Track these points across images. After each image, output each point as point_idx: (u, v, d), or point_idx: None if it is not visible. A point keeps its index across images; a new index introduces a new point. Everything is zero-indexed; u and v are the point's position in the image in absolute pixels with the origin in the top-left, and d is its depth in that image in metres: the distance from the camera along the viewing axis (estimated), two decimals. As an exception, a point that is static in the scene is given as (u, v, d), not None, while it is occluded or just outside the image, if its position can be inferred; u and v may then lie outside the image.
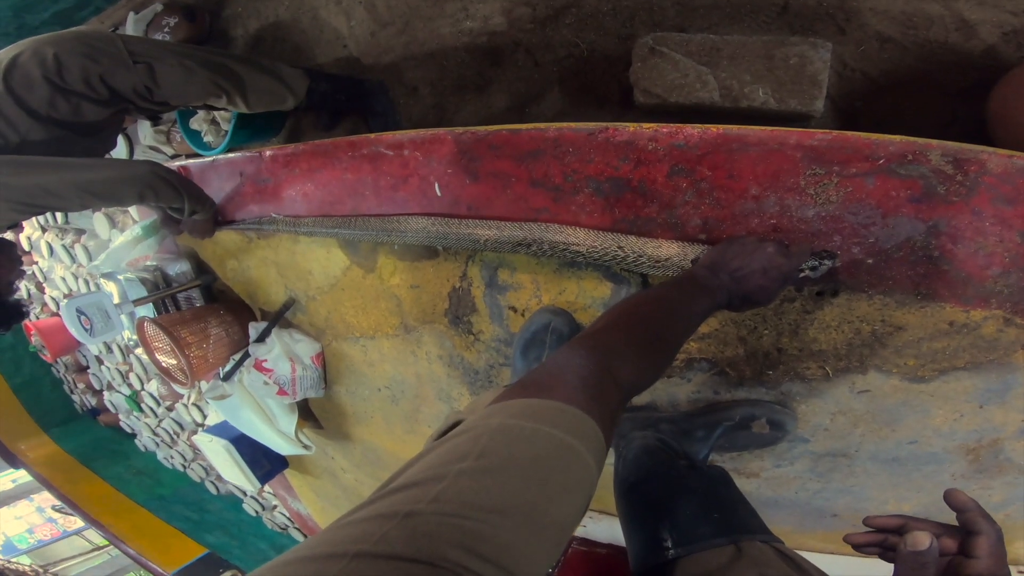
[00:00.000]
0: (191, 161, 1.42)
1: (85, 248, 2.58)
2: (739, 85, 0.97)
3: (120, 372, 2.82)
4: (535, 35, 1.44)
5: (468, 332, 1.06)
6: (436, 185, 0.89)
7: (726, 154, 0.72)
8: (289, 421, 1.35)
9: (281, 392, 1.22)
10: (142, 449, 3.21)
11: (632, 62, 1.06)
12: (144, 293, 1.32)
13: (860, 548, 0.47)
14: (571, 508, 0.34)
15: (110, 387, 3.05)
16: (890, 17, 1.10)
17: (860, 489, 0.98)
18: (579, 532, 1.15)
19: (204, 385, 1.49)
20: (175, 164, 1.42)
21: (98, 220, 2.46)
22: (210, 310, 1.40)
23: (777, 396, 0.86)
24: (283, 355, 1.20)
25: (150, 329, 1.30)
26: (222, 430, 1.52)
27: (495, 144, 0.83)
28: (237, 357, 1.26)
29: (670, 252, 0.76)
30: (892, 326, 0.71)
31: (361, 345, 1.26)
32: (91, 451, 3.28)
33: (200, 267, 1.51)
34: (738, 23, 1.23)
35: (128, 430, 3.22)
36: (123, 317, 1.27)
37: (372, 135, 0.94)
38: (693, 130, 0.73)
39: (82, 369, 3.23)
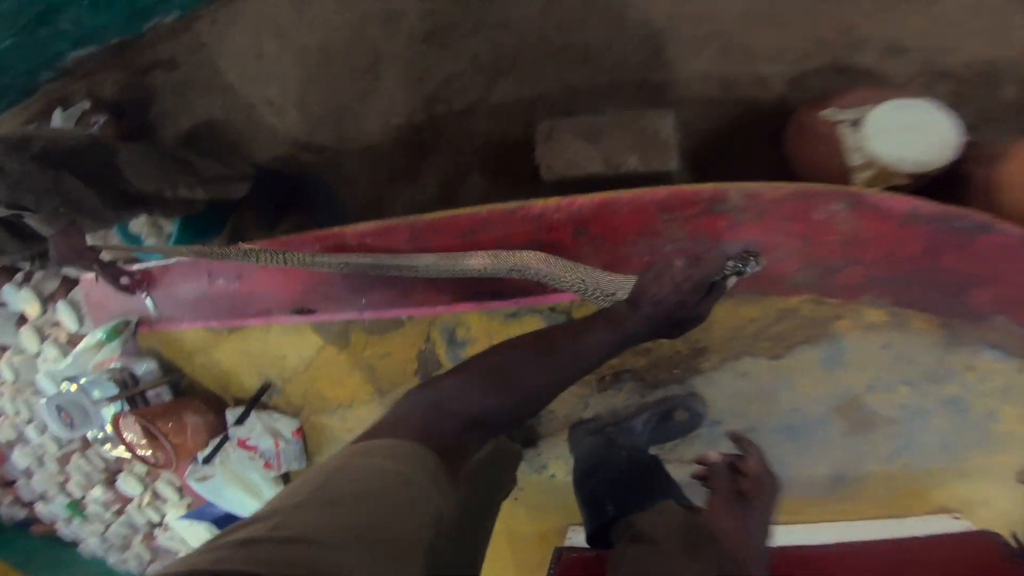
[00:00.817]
0: (152, 264, 1.53)
1: (11, 365, 2.53)
2: (616, 155, 1.27)
3: (56, 483, 2.73)
4: (454, 127, 1.73)
5: (436, 385, 1.23)
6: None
7: (609, 214, 0.98)
8: (275, 492, 1.42)
9: (267, 466, 1.30)
10: (88, 557, 3.07)
11: (536, 145, 1.35)
12: (114, 390, 1.39)
13: (698, 479, 0.68)
14: (407, 525, 0.36)
15: (44, 498, 2.99)
16: (712, 82, 1.47)
17: (777, 458, 1.20)
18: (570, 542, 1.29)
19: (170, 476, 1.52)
20: (133, 268, 1.53)
21: (25, 334, 2.43)
22: (183, 403, 1.48)
23: (686, 389, 1.09)
24: (265, 432, 1.30)
25: (128, 422, 1.36)
26: (201, 514, 1.54)
27: (440, 227, 1.06)
28: (216, 441, 1.35)
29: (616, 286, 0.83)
30: (745, 319, 0.98)
31: (339, 415, 1.39)
32: (27, 561, 3.10)
33: (166, 366, 1.59)
34: (612, 99, 1.58)
35: (68, 538, 3.12)
36: (102, 412, 1.33)
37: (337, 229, 1.14)
38: (584, 199, 1.00)
39: (8, 483, 3.15)
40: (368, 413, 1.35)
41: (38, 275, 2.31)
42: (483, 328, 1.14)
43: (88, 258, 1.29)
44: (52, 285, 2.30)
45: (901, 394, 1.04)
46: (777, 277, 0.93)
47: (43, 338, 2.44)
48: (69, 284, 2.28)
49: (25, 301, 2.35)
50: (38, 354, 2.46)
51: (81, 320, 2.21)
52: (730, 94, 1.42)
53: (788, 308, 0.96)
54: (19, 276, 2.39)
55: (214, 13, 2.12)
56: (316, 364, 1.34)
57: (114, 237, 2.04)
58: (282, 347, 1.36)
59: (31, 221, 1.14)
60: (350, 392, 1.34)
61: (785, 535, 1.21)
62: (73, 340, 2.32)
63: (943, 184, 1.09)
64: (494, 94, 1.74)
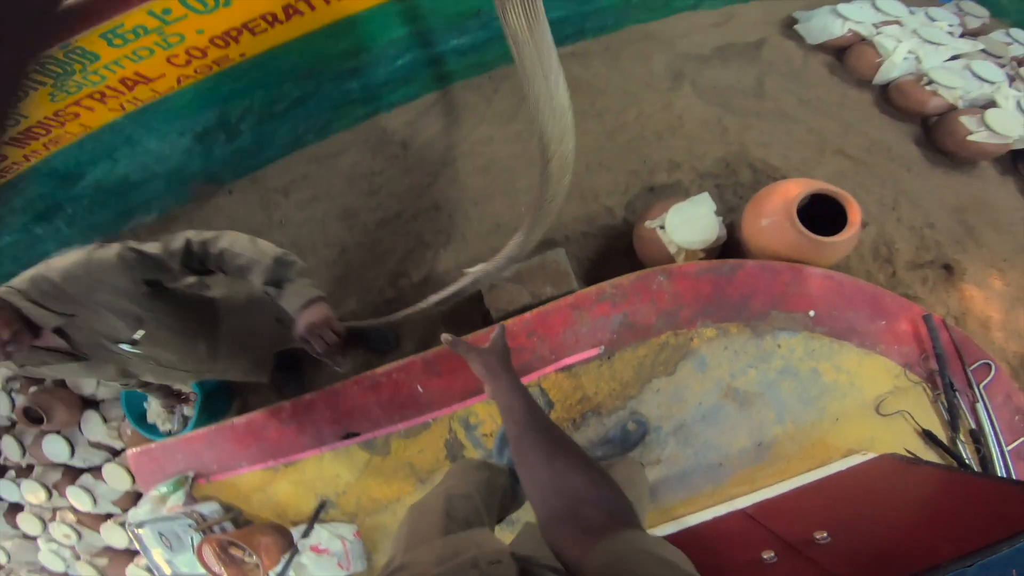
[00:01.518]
0: (200, 431, 1.87)
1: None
2: (537, 288, 1.95)
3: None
4: (418, 294, 2.36)
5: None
6: (418, 386, 1.65)
7: (545, 319, 1.63)
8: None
9: (340, 565, 1.60)
10: None
11: (483, 295, 2.00)
12: (189, 522, 1.66)
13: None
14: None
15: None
16: (581, 221, 2.27)
17: (711, 441, 1.66)
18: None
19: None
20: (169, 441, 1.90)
21: (25, 518, 2.75)
22: (252, 528, 1.75)
23: (629, 410, 1.65)
24: (332, 536, 1.63)
25: (208, 551, 1.60)
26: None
27: (442, 357, 1.64)
28: (287, 556, 1.63)
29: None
30: (641, 356, 1.61)
31: (390, 511, 1.73)
32: None
33: (226, 506, 1.88)
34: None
35: None
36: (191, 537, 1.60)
37: (369, 371, 1.67)
38: (529, 315, 1.64)
39: None
40: (413, 499, 1.73)
41: (39, 469, 2.60)
42: (487, 412, 1.67)
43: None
44: (55, 476, 2.60)
45: (751, 375, 1.66)
46: (646, 328, 1.60)
47: (46, 521, 2.68)
48: (73, 474, 2.58)
49: (28, 491, 2.61)
50: (38, 536, 2.73)
51: (95, 499, 2.49)
52: (593, 226, 2.23)
53: (661, 343, 1.61)
54: (11, 472, 2.69)
55: (190, 213, 2.67)
56: (366, 474, 1.73)
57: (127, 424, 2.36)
58: (335, 468, 1.75)
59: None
60: (396, 489, 1.73)
61: (751, 498, 1.65)
62: (83, 518, 2.59)
63: (731, 244, 1.88)
64: (440, 262, 2.45)
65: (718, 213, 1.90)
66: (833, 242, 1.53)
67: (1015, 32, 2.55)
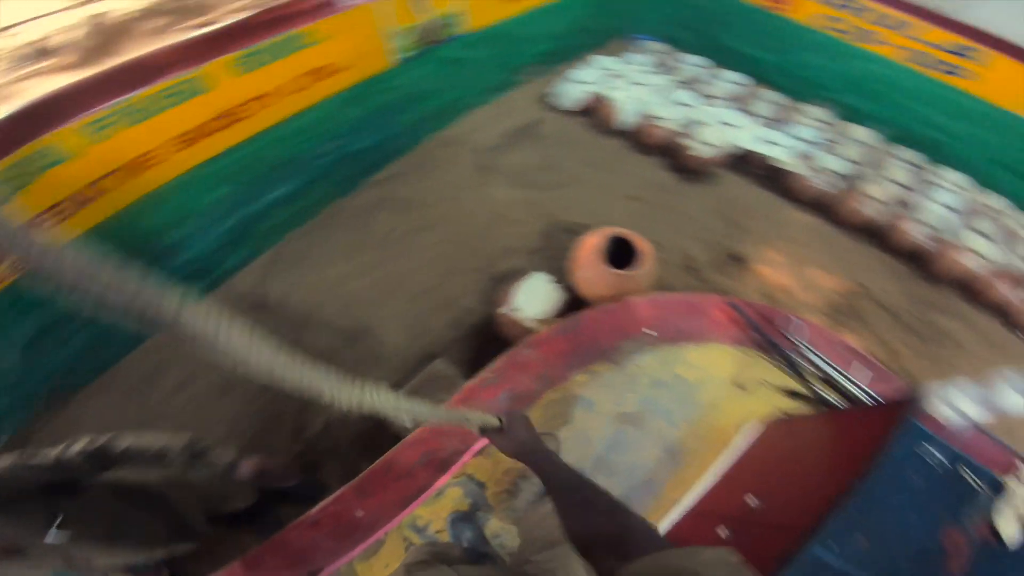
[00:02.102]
0: None
1: None
2: (434, 397, 2.04)
3: None
4: (330, 442, 2.25)
5: None
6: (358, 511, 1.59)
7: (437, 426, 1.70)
8: None
9: None
10: None
11: (388, 424, 2.02)
12: None
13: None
14: None
15: None
16: (450, 326, 2.43)
17: (630, 464, 1.78)
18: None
19: None
20: None
21: None
22: None
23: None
24: None
25: None
26: None
27: (368, 479, 1.60)
28: None
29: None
30: (541, 414, 1.75)
31: None
32: None
33: None
34: (411, 374, 2.39)
35: None
36: None
37: (304, 514, 1.56)
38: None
39: None
40: None
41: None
42: (429, 511, 1.63)
43: None
44: None
45: (631, 399, 1.89)
46: (530, 394, 1.76)
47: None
48: None
49: None
50: None
51: None
52: (461, 329, 2.42)
53: (547, 401, 1.78)
54: None
55: (49, 425, 2.27)
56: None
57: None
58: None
59: None
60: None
61: (690, 496, 1.77)
62: None
63: (574, 301, 2.17)
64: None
65: (556, 280, 2.22)
66: (635, 273, 1.90)
67: (688, 57, 3.54)
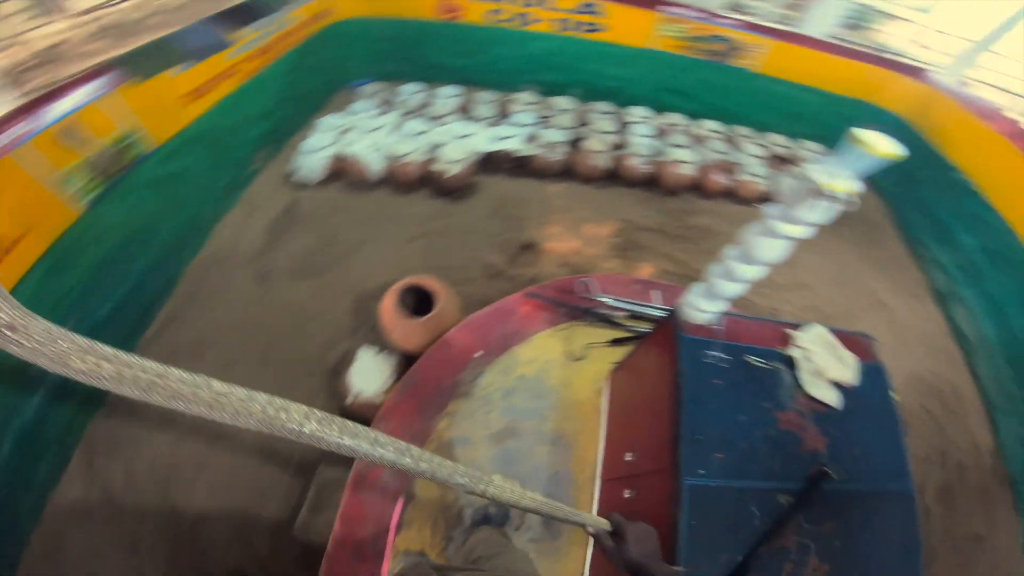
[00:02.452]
0: None
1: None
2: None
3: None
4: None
5: None
6: None
7: (353, 514, 1.50)
8: None
9: None
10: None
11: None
12: None
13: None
14: None
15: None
16: (267, 457, 2.16)
17: (531, 468, 1.80)
18: None
19: None
20: None
21: None
22: None
23: (466, 501, 1.68)
24: None
25: None
26: None
27: None
28: None
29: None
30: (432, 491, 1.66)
31: None
32: None
33: None
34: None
35: None
36: None
37: None
38: (338, 521, 1.48)
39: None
40: None
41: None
42: None
43: None
44: None
45: (495, 416, 1.92)
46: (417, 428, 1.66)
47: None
48: None
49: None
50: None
51: None
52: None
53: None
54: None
55: None
56: None
57: None
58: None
59: None
60: None
61: (595, 471, 1.87)
62: None
63: (409, 360, 2.10)
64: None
65: (379, 349, 2.13)
66: (438, 312, 1.93)
67: (404, 88, 3.73)
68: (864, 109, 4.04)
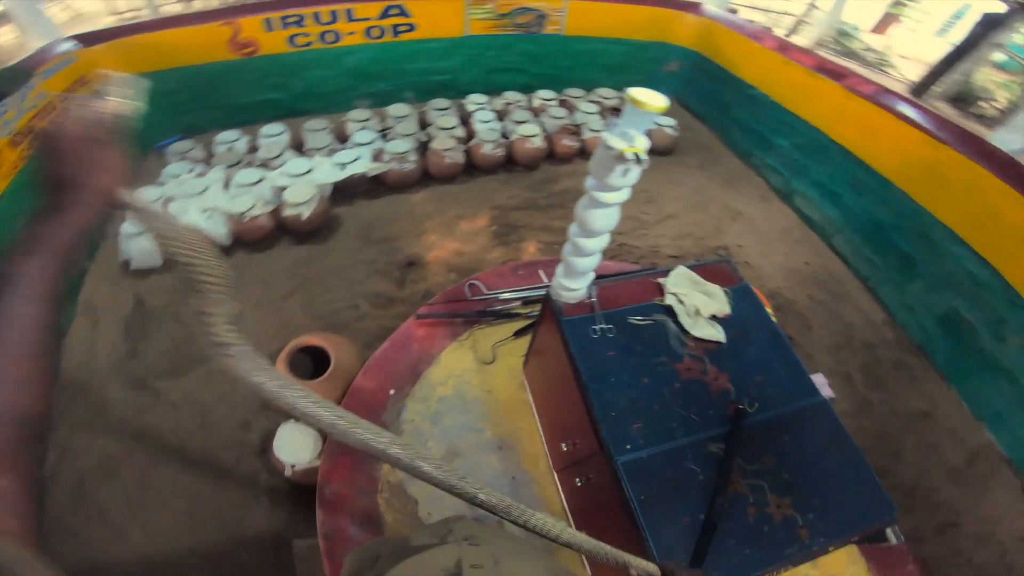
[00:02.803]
0: None
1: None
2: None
3: None
4: None
5: None
6: None
7: None
8: None
9: None
10: None
11: None
12: None
13: None
14: None
15: None
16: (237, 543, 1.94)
17: (489, 482, 1.72)
18: None
19: None
20: None
21: None
22: None
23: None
24: None
25: None
26: None
27: None
28: None
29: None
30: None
31: None
32: None
33: None
34: None
35: None
36: None
37: None
38: None
39: None
40: None
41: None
42: None
43: None
44: None
45: (432, 446, 1.85)
46: (368, 511, 1.56)
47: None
48: None
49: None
50: None
51: None
52: (274, 512, 1.95)
53: (385, 500, 1.61)
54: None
55: None
56: None
57: None
58: None
59: None
60: None
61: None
62: None
63: None
64: None
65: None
66: (335, 369, 1.82)
67: (221, 137, 3.39)
68: (665, 49, 4.44)
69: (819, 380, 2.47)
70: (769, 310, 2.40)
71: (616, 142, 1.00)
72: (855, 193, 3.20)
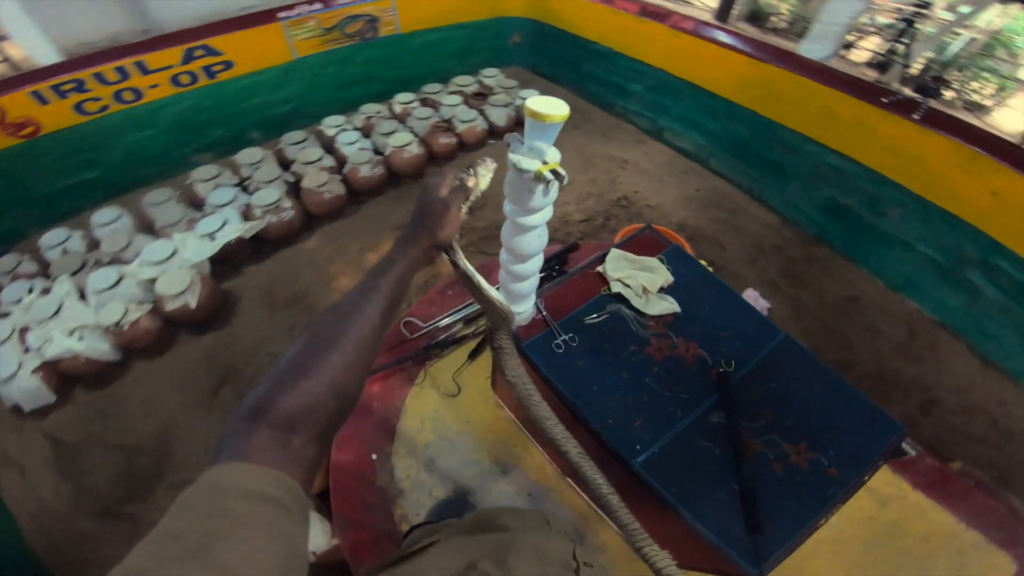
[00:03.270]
0: None
1: None
2: None
3: None
4: None
5: None
6: None
7: None
8: None
9: None
10: None
11: None
12: None
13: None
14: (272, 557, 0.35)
15: None
16: None
17: (505, 495, 1.78)
18: None
19: None
20: None
21: None
22: None
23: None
24: None
25: None
26: None
27: None
28: None
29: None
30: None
31: None
32: None
33: None
34: None
35: None
36: None
37: None
38: None
39: None
40: None
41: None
42: None
43: None
44: None
45: (438, 493, 1.74)
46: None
47: None
48: None
49: None
50: None
51: None
52: None
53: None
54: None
55: None
56: None
57: None
58: None
59: None
60: None
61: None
62: None
63: None
64: None
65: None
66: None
67: (46, 239, 2.82)
68: (504, 24, 4.43)
69: (751, 295, 2.73)
70: (685, 245, 2.55)
71: (528, 163, 0.94)
72: (712, 119, 3.49)
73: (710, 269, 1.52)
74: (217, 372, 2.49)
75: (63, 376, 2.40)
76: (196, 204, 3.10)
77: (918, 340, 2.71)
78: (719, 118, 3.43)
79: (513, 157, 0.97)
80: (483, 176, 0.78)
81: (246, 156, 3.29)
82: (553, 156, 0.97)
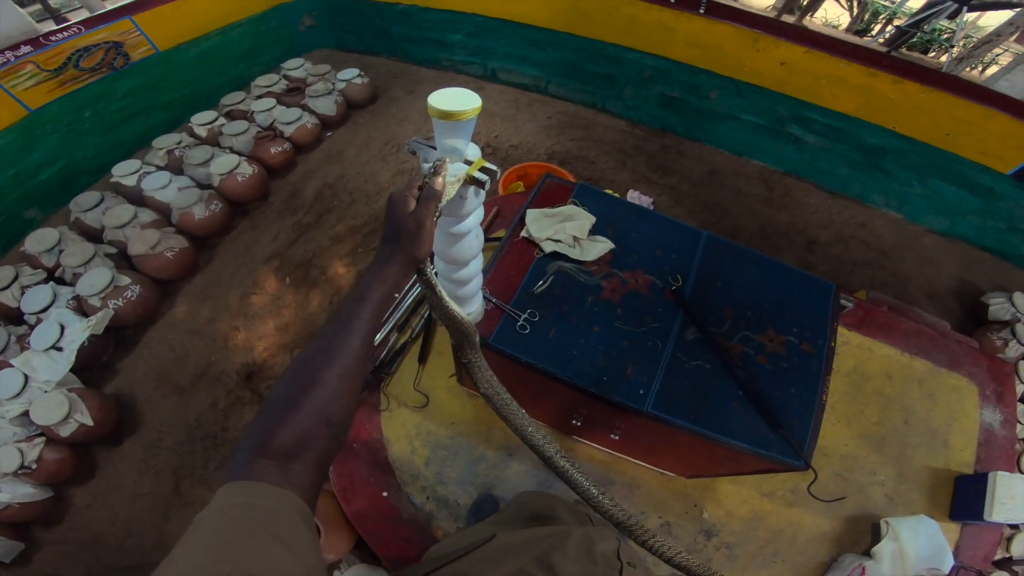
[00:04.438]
0: None
1: None
2: None
3: None
4: None
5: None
6: None
7: None
8: None
9: None
10: None
11: None
12: None
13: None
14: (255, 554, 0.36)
15: None
16: None
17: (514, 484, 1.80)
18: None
19: None
20: None
21: None
22: None
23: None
24: None
25: None
26: None
27: None
28: None
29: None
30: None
31: None
32: None
33: None
34: None
35: None
36: None
37: None
38: None
39: None
40: None
41: None
42: None
43: None
44: None
45: (462, 501, 1.73)
46: None
47: None
48: None
49: None
50: None
51: None
52: None
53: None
54: None
55: None
56: None
57: None
58: None
59: None
60: None
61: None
62: None
63: None
64: None
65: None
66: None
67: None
68: (286, 9, 3.91)
69: (634, 195, 2.97)
70: (566, 175, 2.62)
71: (455, 169, 0.89)
72: (538, 49, 3.57)
73: (616, 195, 1.58)
74: (166, 471, 2.19)
75: (14, 524, 2.06)
76: (11, 318, 2.42)
77: (775, 191, 3.27)
78: (543, 47, 3.52)
79: (427, 167, 0.88)
80: (450, 184, 0.74)
81: (38, 242, 2.59)
82: (474, 153, 0.92)
